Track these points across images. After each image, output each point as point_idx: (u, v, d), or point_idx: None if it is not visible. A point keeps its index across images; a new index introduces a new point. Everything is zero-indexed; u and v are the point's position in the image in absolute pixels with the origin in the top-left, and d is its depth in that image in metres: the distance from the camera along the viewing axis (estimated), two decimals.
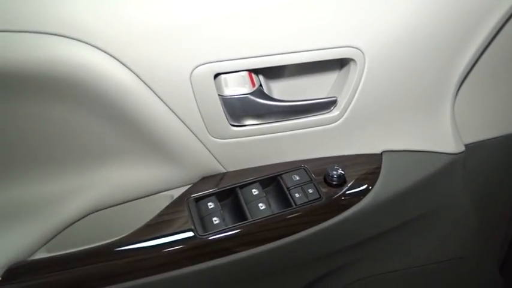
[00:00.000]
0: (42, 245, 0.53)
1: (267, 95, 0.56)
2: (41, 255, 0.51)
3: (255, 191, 0.57)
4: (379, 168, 0.60)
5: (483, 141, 0.64)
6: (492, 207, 0.74)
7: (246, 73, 0.54)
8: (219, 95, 0.53)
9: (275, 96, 0.58)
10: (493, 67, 0.62)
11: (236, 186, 0.58)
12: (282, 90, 0.59)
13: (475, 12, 0.56)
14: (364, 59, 0.55)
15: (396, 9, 0.53)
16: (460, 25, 0.56)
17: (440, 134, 0.61)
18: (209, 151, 0.57)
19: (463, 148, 0.62)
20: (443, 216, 0.68)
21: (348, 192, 0.57)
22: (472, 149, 0.63)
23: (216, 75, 0.52)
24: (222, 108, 0.54)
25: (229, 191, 0.58)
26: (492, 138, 0.65)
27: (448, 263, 0.74)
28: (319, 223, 0.56)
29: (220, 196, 0.58)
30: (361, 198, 0.58)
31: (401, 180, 0.60)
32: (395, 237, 0.67)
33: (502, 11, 0.56)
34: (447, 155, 0.61)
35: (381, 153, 0.61)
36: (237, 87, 0.54)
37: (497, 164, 0.69)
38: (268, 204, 0.56)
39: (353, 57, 0.54)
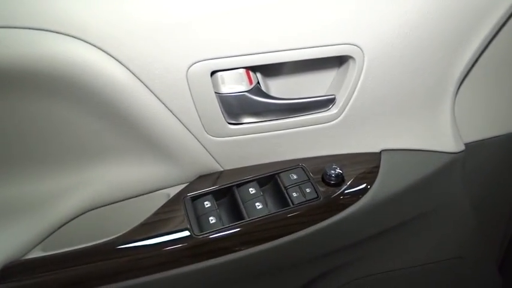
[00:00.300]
0: (38, 244, 0.52)
1: (264, 92, 0.55)
2: (36, 254, 0.51)
3: (252, 190, 0.57)
4: (377, 167, 0.59)
5: (483, 140, 0.64)
6: (492, 207, 0.74)
7: (243, 70, 0.53)
8: (215, 92, 0.53)
9: (273, 94, 0.57)
10: (494, 65, 0.61)
11: (233, 185, 0.58)
12: (280, 88, 0.59)
13: (476, 10, 0.55)
14: (363, 56, 0.54)
15: (395, 6, 0.53)
16: (460, 23, 0.55)
17: (440, 133, 0.61)
18: (206, 149, 0.56)
19: (462, 147, 0.61)
20: (442, 215, 0.67)
21: (346, 191, 0.57)
22: (472, 148, 0.63)
23: (213, 73, 0.52)
24: (219, 106, 0.53)
25: (226, 189, 0.58)
26: (492, 137, 0.64)
27: (447, 262, 0.74)
28: (317, 223, 0.56)
29: (216, 195, 0.57)
30: (360, 198, 0.57)
31: (400, 179, 0.60)
32: (394, 236, 0.67)
33: (504, 8, 0.55)
34: (447, 154, 0.60)
35: (380, 152, 0.61)
36: (234, 84, 0.53)
37: (497, 164, 0.68)
38: (265, 204, 0.56)
39: (352, 55, 0.54)
